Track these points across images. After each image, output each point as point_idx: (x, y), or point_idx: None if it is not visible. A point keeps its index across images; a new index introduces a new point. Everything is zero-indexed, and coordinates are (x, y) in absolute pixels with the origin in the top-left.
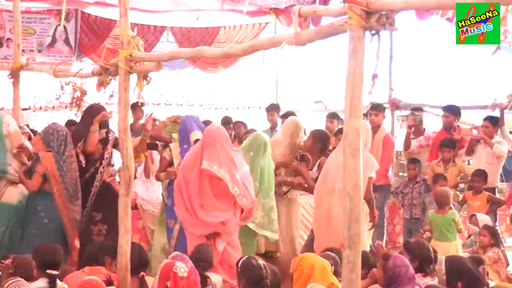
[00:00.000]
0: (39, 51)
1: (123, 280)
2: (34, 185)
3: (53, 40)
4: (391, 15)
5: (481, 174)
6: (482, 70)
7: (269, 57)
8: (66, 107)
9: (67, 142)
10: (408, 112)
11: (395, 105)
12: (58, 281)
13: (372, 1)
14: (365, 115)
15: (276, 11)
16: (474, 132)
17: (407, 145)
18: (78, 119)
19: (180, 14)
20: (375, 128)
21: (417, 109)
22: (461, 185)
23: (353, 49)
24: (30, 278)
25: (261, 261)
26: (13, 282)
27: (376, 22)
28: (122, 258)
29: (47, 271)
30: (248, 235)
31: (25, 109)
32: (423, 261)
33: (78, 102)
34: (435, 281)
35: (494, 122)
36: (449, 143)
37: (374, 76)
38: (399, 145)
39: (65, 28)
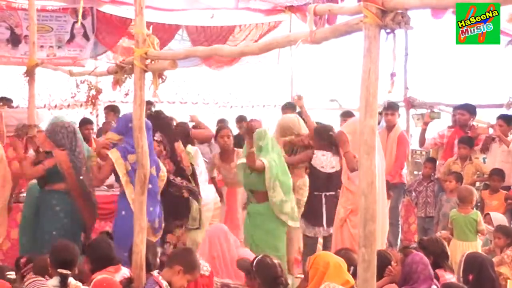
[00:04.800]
0: (59, 47)
1: (137, 278)
2: (32, 173)
3: (72, 36)
4: (406, 13)
5: (499, 173)
6: (498, 69)
7: (284, 56)
8: (81, 105)
9: (77, 138)
10: (424, 110)
11: (410, 104)
12: (72, 280)
13: (387, 0)
14: (380, 113)
15: (292, 8)
16: (491, 130)
17: (421, 142)
18: (93, 118)
19: (195, 13)
20: (390, 127)
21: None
22: (477, 184)
23: (368, 47)
24: (48, 277)
25: (275, 260)
26: (33, 281)
27: (391, 20)
28: (137, 256)
29: (58, 270)
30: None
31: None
32: (437, 256)
33: (93, 101)
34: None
35: (508, 121)
36: (466, 140)
37: (393, 74)
38: (414, 144)
39: (82, 25)
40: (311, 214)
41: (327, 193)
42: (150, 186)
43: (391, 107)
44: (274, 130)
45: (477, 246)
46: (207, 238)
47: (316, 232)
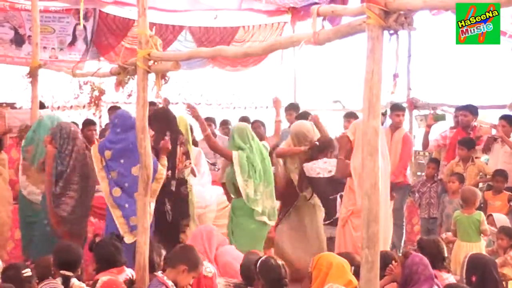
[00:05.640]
0: (61, 49)
1: (140, 279)
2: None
3: (74, 39)
4: (409, 14)
5: (502, 174)
6: (501, 69)
7: (287, 57)
8: (84, 106)
9: (70, 140)
10: (427, 111)
11: (414, 105)
12: (75, 281)
13: (390, 1)
14: (383, 114)
15: (293, 10)
16: (493, 131)
17: (425, 144)
18: (96, 119)
19: (198, 14)
20: (396, 127)
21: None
22: (480, 184)
23: (371, 48)
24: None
25: (279, 261)
26: (47, 284)
27: (394, 21)
28: (140, 257)
29: (61, 271)
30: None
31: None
32: (433, 257)
33: (96, 102)
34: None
35: (511, 121)
36: (465, 142)
37: (396, 75)
38: (417, 145)
39: (84, 27)
40: (326, 217)
41: (342, 193)
42: (126, 184)
43: (401, 108)
44: (289, 138)
45: (481, 247)
46: (191, 237)
47: (332, 232)
